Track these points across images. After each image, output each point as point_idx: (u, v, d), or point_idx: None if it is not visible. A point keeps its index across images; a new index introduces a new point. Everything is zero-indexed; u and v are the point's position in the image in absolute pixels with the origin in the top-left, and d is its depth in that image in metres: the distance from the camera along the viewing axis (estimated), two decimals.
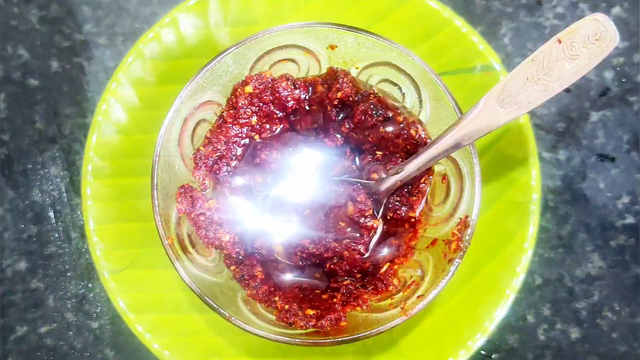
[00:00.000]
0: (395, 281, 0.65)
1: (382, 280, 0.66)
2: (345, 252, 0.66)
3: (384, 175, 0.67)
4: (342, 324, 0.62)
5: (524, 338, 0.73)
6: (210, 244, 0.66)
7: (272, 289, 0.66)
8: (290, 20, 0.77)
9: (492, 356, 0.73)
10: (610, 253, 0.74)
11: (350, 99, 0.67)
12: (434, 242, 0.65)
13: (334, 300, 0.65)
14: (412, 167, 0.64)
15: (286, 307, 0.63)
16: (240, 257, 0.67)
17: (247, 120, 0.69)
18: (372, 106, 0.67)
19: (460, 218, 0.62)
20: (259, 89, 0.67)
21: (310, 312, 0.63)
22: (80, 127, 0.79)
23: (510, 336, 0.73)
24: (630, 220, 0.75)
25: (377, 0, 0.77)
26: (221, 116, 0.69)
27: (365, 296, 0.65)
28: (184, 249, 0.63)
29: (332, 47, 0.68)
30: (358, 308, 0.64)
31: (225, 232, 0.66)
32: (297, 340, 0.58)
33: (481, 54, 0.75)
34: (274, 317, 0.63)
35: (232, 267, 0.67)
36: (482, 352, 0.72)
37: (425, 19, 0.76)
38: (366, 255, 0.67)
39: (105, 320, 0.74)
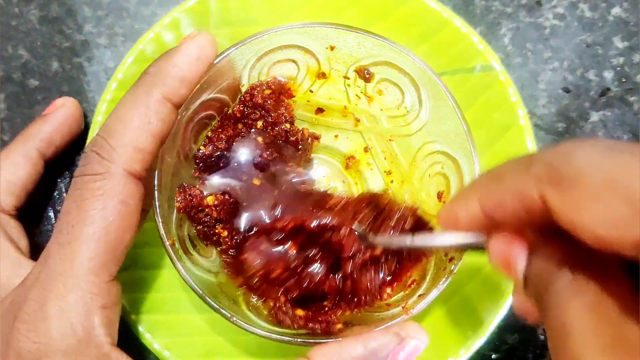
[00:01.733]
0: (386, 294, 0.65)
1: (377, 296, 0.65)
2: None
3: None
4: (338, 326, 0.61)
5: (523, 338, 0.73)
6: (209, 241, 0.66)
7: (269, 282, 0.66)
8: (290, 20, 0.77)
9: (492, 356, 0.73)
10: None
11: None
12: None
13: (324, 303, 0.64)
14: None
15: (278, 304, 0.63)
16: (236, 251, 0.67)
17: (253, 122, 0.69)
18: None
19: None
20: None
21: (300, 312, 0.63)
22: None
23: (510, 336, 0.73)
24: None
25: (377, 1, 0.78)
26: (226, 115, 0.69)
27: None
28: (185, 250, 0.63)
29: (332, 48, 0.68)
30: (347, 312, 0.63)
31: (224, 228, 0.66)
32: (299, 340, 0.58)
33: (481, 54, 0.75)
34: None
35: (228, 260, 0.66)
36: (482, 352, 0.72)
37: (425, 19, 0.76)
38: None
39: None
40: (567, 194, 0.36)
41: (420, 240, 0.57)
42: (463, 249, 0.54)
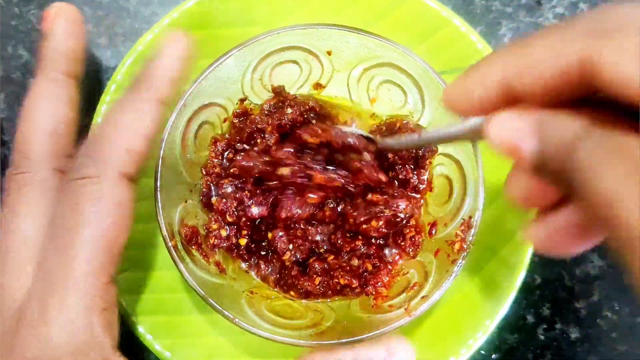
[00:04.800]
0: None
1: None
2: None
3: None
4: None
5: (523, 338, 0.73)
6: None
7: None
8: (289, 21, 0.77)
9: (492, 356, 0.73)
10: (610, 253, 0.74)
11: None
12: (437, 252, 0.65)
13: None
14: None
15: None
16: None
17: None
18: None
19: (463, 219, 0.63)
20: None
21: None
22: (80, 127, 0.78)
23: (510, 336, 0.73)
24: None
25: (377, 0, 0.78)
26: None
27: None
28: (187, 251, 0.63)
29: (329, 53, 0.69)
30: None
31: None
32: (301, 341, 0.58)
33: (480, 53, 0.75)
34: (277, 318, 0.63)
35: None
36: (482, 351, 0.72)
37: (424, 18, 0.77)
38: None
39: None
40: (612, 44, 0.33)
41: (427, 135, 0.58)
42: (469, 137, 0.49)
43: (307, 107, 0.70)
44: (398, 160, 0.68)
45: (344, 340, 0.58)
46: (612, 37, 0.33)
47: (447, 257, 0.62)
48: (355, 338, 0.58)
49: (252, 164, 0.65)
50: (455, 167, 0.66)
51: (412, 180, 0.69)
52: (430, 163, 0.70)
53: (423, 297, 0.60)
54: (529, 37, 0.38)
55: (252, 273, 0.69)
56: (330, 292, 0.68)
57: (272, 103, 0.71)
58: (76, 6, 0.80)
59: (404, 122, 0.69)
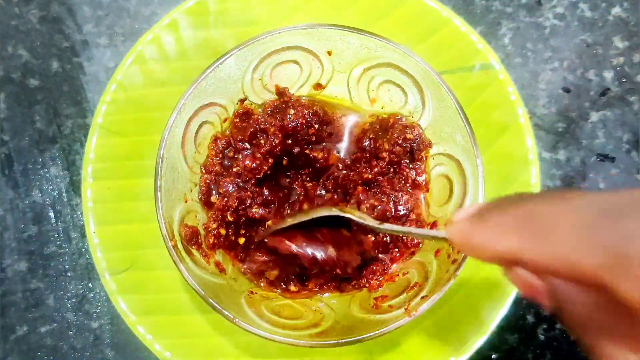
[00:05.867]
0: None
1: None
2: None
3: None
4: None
5: (523, 338, 0.73)
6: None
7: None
8: (289, 21, 0.77)
9: (492, 356, 0.73)
10: None
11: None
12: (437, 252, 0.65)
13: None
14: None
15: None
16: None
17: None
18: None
19: None
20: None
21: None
22: (80, 127, 0.79)
23: (510, 336, 0.73)
24: None
25: (376, 0, 0.78)
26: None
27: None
28: (187, 251, 0.63)
29: (330, 53, 0.69)
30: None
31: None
32: (301, 341, 0.58)
33: (480, 53, 0.75)
34: (277, 318, 0.63)
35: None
36: (482, 351, 0.72)
37: (424, 18, 0.77)
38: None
39: (105, 320, 0.74)
40: (628, 281, 0.33)
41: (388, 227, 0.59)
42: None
43: (311, 111, 0.70)
44: (394, 158, 0.68)
45: (343, 340, 0.58)
46: (627, 271, 0.33)
47: (447, 257, 0.61)
48: (355, 338, 0.58)
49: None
50: (455, 167, 0.65)
51: (410, 174, 0.69)
52: (427, 157, 0.70)
53: (423, 297, 0.60)
54: (542, 212, 0.39)
55: (242, 266, 0.69)
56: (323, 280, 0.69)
57: (275, 104, 0.71)
58: (76, 6, 0.81)
59: (397, 117, 0.70)
